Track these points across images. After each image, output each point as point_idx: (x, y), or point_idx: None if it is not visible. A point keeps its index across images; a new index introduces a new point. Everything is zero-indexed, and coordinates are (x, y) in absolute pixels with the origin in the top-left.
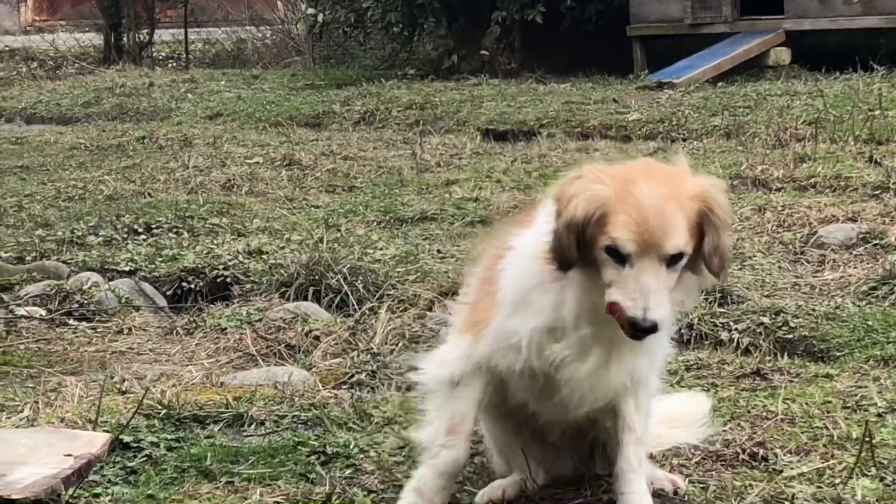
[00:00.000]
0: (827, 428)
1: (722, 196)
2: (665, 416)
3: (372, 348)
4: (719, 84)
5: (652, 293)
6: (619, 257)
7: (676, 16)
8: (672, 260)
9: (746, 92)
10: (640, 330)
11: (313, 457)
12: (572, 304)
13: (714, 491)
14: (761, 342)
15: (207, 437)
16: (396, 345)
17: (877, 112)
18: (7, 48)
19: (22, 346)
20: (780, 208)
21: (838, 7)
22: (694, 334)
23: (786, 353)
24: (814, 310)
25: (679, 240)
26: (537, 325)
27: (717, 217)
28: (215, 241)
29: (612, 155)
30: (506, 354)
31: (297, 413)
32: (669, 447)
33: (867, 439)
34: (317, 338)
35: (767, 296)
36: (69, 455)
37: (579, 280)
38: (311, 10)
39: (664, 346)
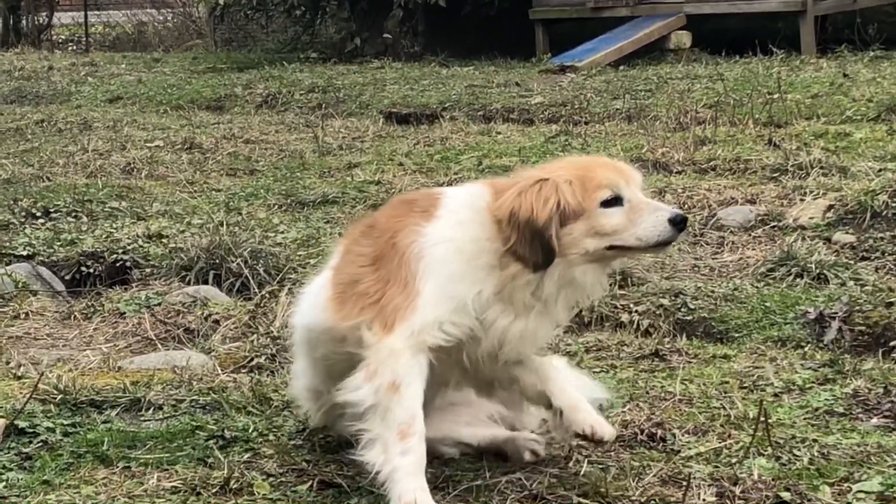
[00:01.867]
0: (724, 408)
1: None
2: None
3: (272, 332)
4: (621, 67)
5: (657, 203)
6: (615, 202)
7: None
8: None
9: (648, 75)
10: (680, 218)
11: (211, 441)
12: (514, 281)
13: (613, 472)
14: (661, 324)
15: (104, 422)
16: None
17: (776, 95)
18: None
19: None
20: (680, 191)
21: None
22: (594, 316)
23: (685, 335)
24: (713, 291)
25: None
26: (483, 289)
27: None
28: (115, 226)
29: (512, 138)
30: (449, 320)
31: (195, 397)
32: None
33: (763, 419)
34: (216, 322)
35: (667, 278)
36: None
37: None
38: None
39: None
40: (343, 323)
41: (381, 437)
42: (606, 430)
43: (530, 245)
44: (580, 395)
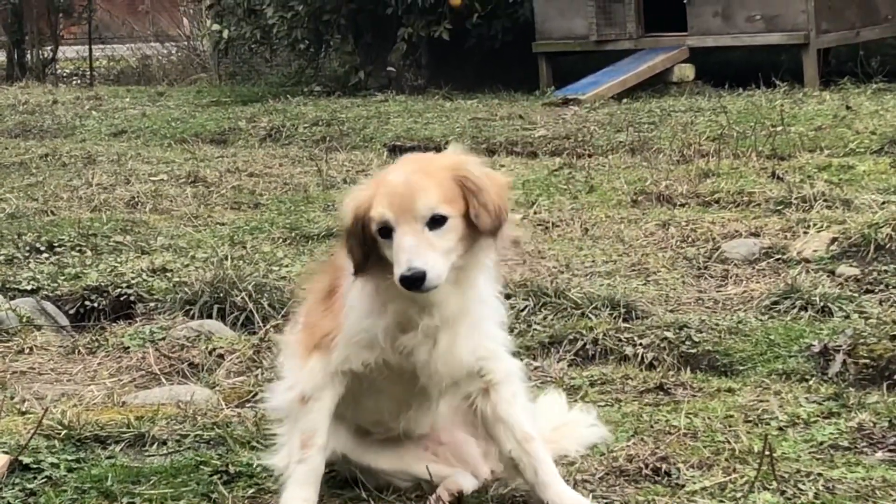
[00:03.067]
0: (729, 442)
1: (475, 164)
2: (551, 428)
3: (276, 366)
4: (624, 100)
5: (413, 248)
6: (386, 233)
7: (581, 32)
8: (433, 222)
9: (651, 108)
10: (407, 282)
11: (216, 476)
12: (396, 302)
13: None
14: (665, 357)
15: (108, 457)
16: None
17: (779, 128)
18: None
19: None
20: (683, 223)
21: (741, 24)
22: (598, 349)
23: (689, 368)
24: (717, 324)
25: (430, 201)
26: (388, 323)
27: (471, 181)
28: (119, 260)
29: (516, 170)
30: (360, 353)
31: (199, 432)
32: (568, 452)
33: (768, 453)
34: (221, 356)
35: (671, 311)
36: None
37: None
38: (216, 27)
39: (494, 324)
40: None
41: (287, 444)
42: None
43: (348, 246)
44: (554, 471)
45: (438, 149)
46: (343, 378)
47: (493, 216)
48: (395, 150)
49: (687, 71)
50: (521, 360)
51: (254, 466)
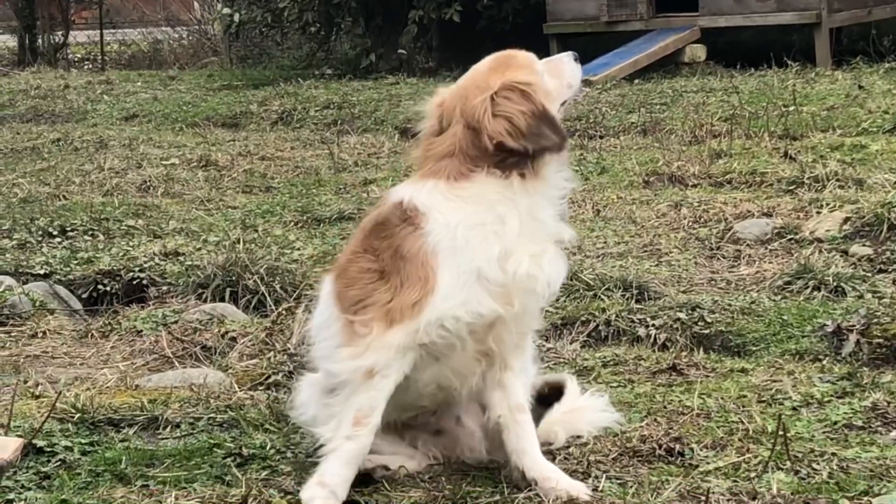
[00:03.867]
0: (742, 422)
1: None
2: (563, 411)
3: (289, 349)
4: (636, 81)
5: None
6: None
7: (592, 13)
8: None
9: (663, 89)
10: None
11: (229, 459)
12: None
13: (631, 487)
14: (678, 338)
15: (122, 440)
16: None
17: (791, 108)
18: None
19: None
20: (696, 204)
21: (752, 4)
22: (611, 331)
23: (702, 349)
24: (729, 305)
25: None
26: (502, 247)
27: None
28: (131, 244)
29: None
30: (469, 299)
31: (212, 415)
32: (581, 432)
33: (781, 433)
34: (233, 339)
35: (684, 291)
36: None
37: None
38: (227, 10)
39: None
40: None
41: (339, 415)
42: (581, 493)
43: (552, 131)
44: (536, 442)
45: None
46: (417, 353)
47: None
48: (407, 133)
49: (698, 51)
50: (534, 341)
51: (267, 448)
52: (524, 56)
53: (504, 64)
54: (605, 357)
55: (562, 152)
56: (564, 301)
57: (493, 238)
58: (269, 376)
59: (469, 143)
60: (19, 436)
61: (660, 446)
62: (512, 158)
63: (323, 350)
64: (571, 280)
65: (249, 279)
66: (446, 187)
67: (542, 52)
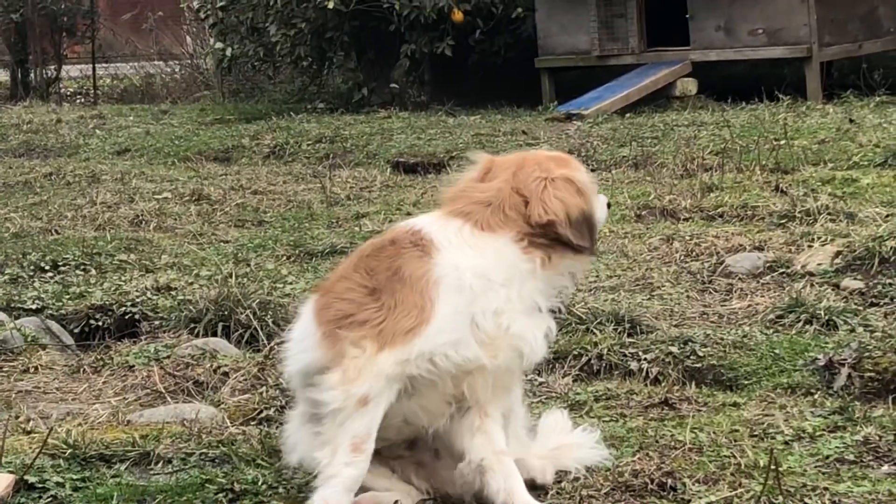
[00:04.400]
0: (734, 456)
1: None
2: (550, 448)
3: (281, 383)
4: (627, 115)
5: None
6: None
7: (584, 48)
8: None
9: (654, 122)
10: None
11: (221, 494)
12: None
13: None
14: (670, 371)
15: (114, 476)
16: None
17: (782, 141)
18: None
19: None
20: (687, 238)
21: (743, 38)
22: (603, 364)
23: (694, 382)
24: (722, 338)
25: None
26: (496, 307)
27: None
28: (123, 278)
29: None
30: (456, 340)
31: (204, 450)
32: (569, 468)
33: (774, 467)
34: (225, 374)
35: (676, 325)
36: None
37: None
38: (219, 45)
39: None
40: (332, 350)
41: (333, 441)
42: None
43: (590, 236)
44: (521, 481)
45: (441, 165)
46: (402, 384)
47: None
48: (399, 167)
49: (689, 85)
50: (526, 375)
51: (259, 484)
52: (580, 164)
53: (564, 160)
54: (597, 391)
55: (586, 258)
56: (557, 335)
57: (493, 294)
58: (261, 411)
59: (511, 203)
60: (11, 471)
61: (652, 481)
62: (543, 240)
63: (297, 363)
64: (563, 314)
65: (242, 313)
66: (470, 232)
67: (534, 86)
